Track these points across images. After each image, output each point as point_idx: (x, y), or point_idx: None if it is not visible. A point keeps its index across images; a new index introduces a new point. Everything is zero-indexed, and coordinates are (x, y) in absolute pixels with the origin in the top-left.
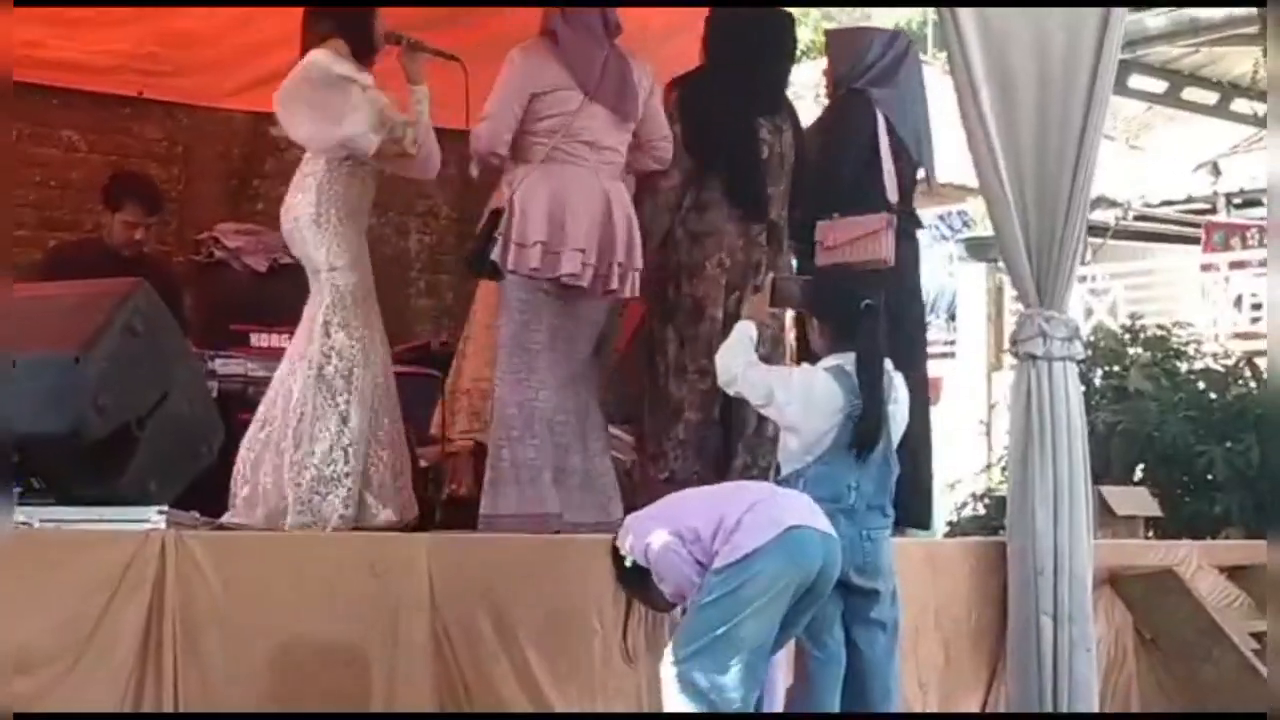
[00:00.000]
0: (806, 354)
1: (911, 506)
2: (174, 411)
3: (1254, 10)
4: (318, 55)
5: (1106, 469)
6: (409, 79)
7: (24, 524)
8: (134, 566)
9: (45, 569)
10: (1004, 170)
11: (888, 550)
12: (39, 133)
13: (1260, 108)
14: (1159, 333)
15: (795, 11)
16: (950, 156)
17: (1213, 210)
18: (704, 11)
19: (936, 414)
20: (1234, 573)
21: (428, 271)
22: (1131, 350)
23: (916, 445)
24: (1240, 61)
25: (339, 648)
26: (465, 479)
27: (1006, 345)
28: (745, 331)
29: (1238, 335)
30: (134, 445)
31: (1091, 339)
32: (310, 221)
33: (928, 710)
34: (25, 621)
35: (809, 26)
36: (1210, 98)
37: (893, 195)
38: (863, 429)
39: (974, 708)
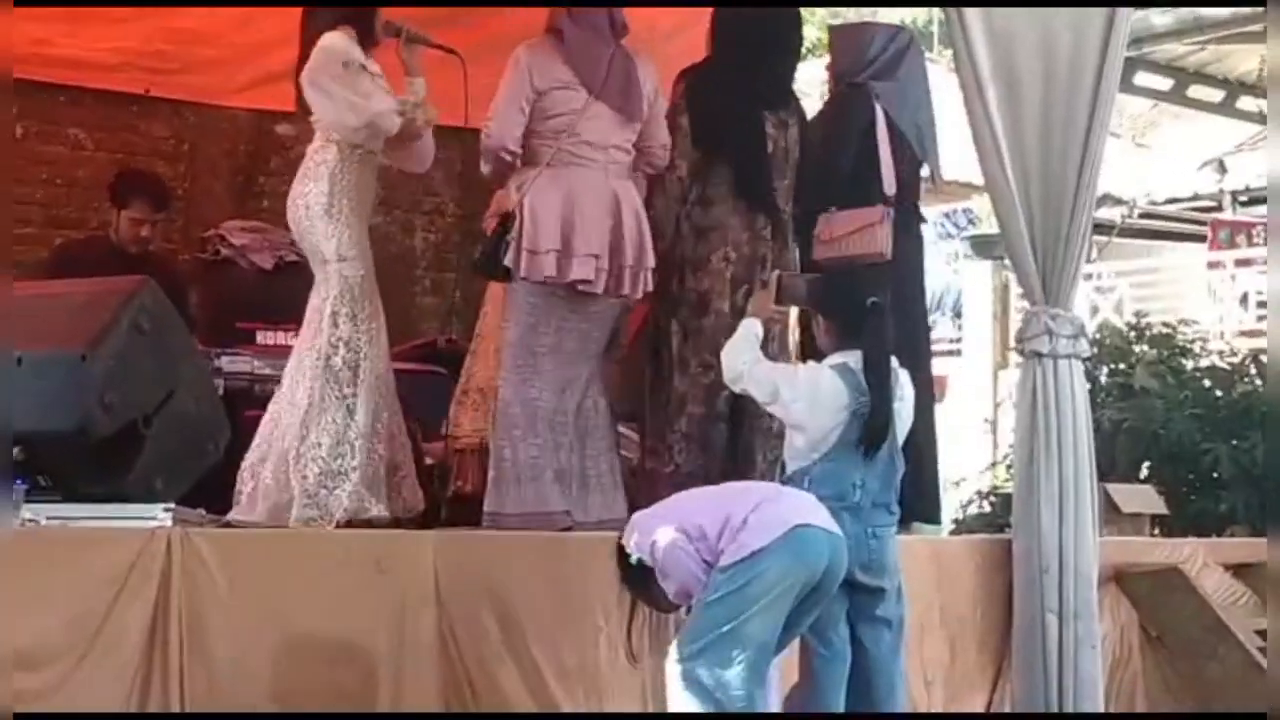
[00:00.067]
0: (811, 351)
1: (919, 500)
2: (180, 409)
3: (1260, 7)
4: (337, 39)
5: (1112, 466)
6: (407, 71)
7: (30, 521)
8: (140, 564)
9: (51, 566)
10: (1009, 168)
11: (893, 548)
12: (46, 130)
13: (1266, 105)
14: (1164, 330)
15: (803, 9)
16: (956, 154)
17: (1219, 208)
18: (709, 9)
19: (942, 412)
20: (1239, 570)
21: (433, 269)
22: (1137, 348)
23: (921, 439)
24: (1246, 59)
25: (345, 645)
26: (471, 476)
27: (1012, 343)
28: (751, 329)
29: (1243, 333)
30: (140, 443)
31: (1097, 336)
32: (323, 211)
33: (933, 708)
34: (32, 618)
35: (815, 25)
36: (1216, 95)
37: (890, 188)
38: (871, 427)
39: (979, 705)
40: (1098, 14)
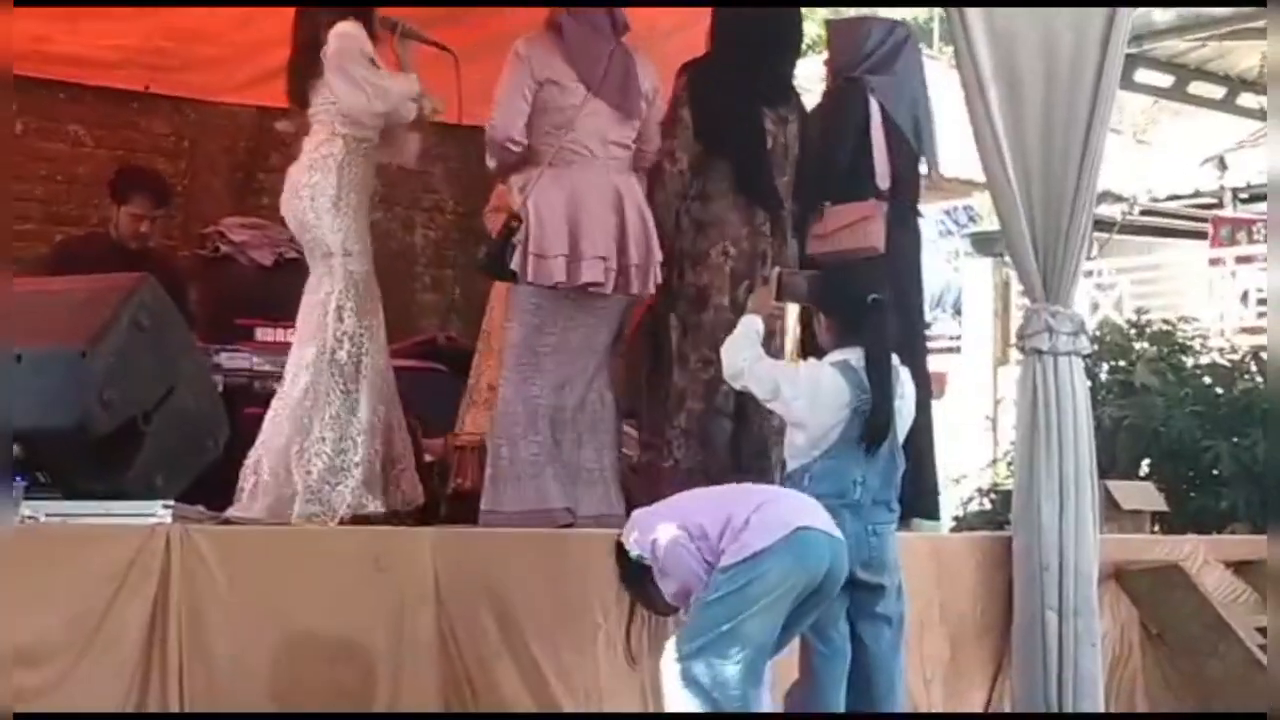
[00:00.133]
0: (810, 348)
1: (918, 497)
2: (180, 406)
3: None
4: (352, 27)
5: (1112, 464)
6: (399, 67)
7: (30, 518)
8: (140, 561)
9: (51, 564)
10: (1010, 165)
11: (893, 545)
12: (46, 127)
13: (1266, 102)
14: (1165, 327)
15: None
16: (956, 151)
17: (1219, 205)
18: (708, 7)
19: (942, 408)
20: (1240, 567)
21: (433, 266)
22: (1137, 345)
23: (920, 435)
24: (1247, 56)
25: (344, 642)
26: (471, 473)
27: (1013, 340)
28: (751, 326)
29: (1244, 330)
30: (140, 440)
31: (1097, 334)
32: (330, 204)
33: (932, 705)
34: (31, 616)
35: (816, 22)
36: (1217, 92)
37: (884, 182)
38: (872, 424)
39: (979, 703)
40: (1098, 12)
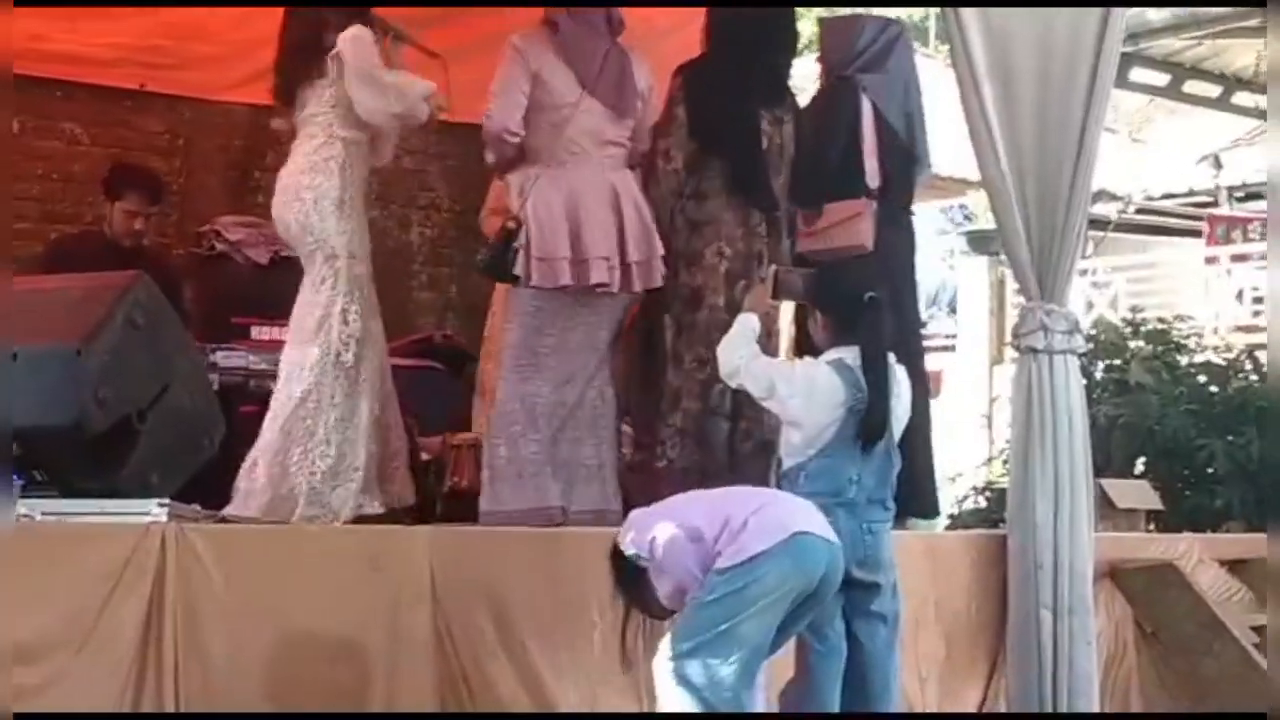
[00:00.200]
0: (806, 346)
1: (917, 496)
2: (175, 404)
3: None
4: (363, 32)
5: (1107, 462)
6: (390, 68)
7: (25, 517)
8: (135, 559)
9: (47, 562)
10: (1005, 164)
11: (888, 543)
12: (41, 125)
13: (1263, 100)
14: (1160, 326)
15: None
16: (951, 149)
17: (1215, 203)
18: (704, 7)
19: (938, 407)
20: (1235, 566)
21: (429, 264)
22: (1133, 343)
23: (916, 433)
24: (1242, 54)
25: (340, 641)
26: (467, 472)
27: (1008, 338)
28: (747, 324)
29: (1239, 328)
30: (135, 438)
31: (1093, 332)
32: (334, 206)
33: (927, 703)
34: (27, 614)
35: (812, 20)
36: (1212, 90)
37: (873, 180)
38: (868, 423)
39: (974, 701)
40: (1093, 10)
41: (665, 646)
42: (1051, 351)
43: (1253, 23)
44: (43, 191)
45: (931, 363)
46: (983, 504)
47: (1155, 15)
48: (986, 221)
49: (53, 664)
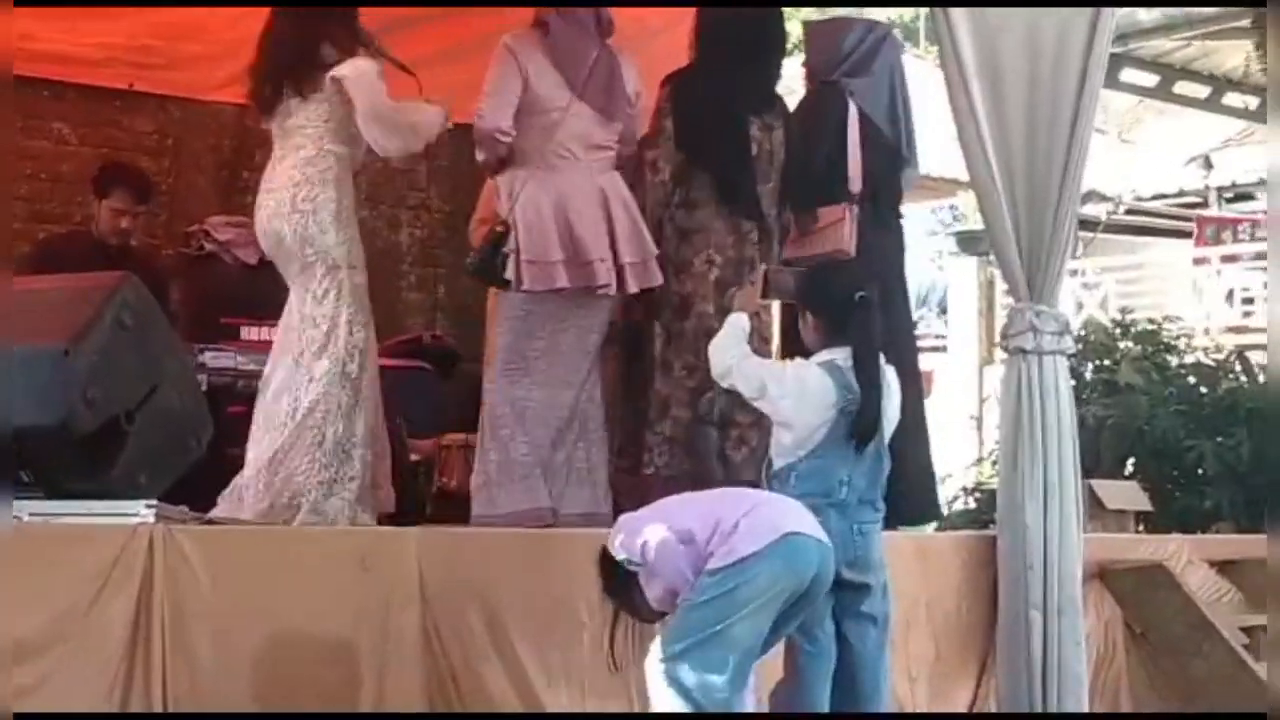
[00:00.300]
0: (795, 346)
1: (917, 501)
2: (163, 405)
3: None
4: (369, 65)
5: (1097, 463)
6: None
7: (14, 518)
8: (123, 561)
9: (34, 564)
10: (994, 163)
11: (878, 544)
12: (30, 125)
13: (1252, 101)
14: (1149, 327)
15: (787, 8)
16: (941, 150)
17: (1204, 204)
18: (694, 9)
19: (928, 407)
20: (1224, 567)
21: (419, 265)
22: (1122, 344)
23: (914, 437)
24: (1232, 55)
25: (328, 642)
26: (456, 473)
27: (997, 339)
28: (738, 323)
29: (1229, 329)
30: (123, 439)
31: (1082, 333)
32: (332, 218)
33: (917, 704)
34: (14, 616)
35: (799, 21)
36: (1202, 91)
37: (856, 185)
38: (861, 423)
39: (964, 702)
40: (1083, 10)
41: (656, 648)
42: (1041, 352)
43: (1242, 24)
44: (31, 191)
45: (922, 363)
46: (972, 505)
47: (1145, 16)
48: (976, 222)
49: (40, 665)
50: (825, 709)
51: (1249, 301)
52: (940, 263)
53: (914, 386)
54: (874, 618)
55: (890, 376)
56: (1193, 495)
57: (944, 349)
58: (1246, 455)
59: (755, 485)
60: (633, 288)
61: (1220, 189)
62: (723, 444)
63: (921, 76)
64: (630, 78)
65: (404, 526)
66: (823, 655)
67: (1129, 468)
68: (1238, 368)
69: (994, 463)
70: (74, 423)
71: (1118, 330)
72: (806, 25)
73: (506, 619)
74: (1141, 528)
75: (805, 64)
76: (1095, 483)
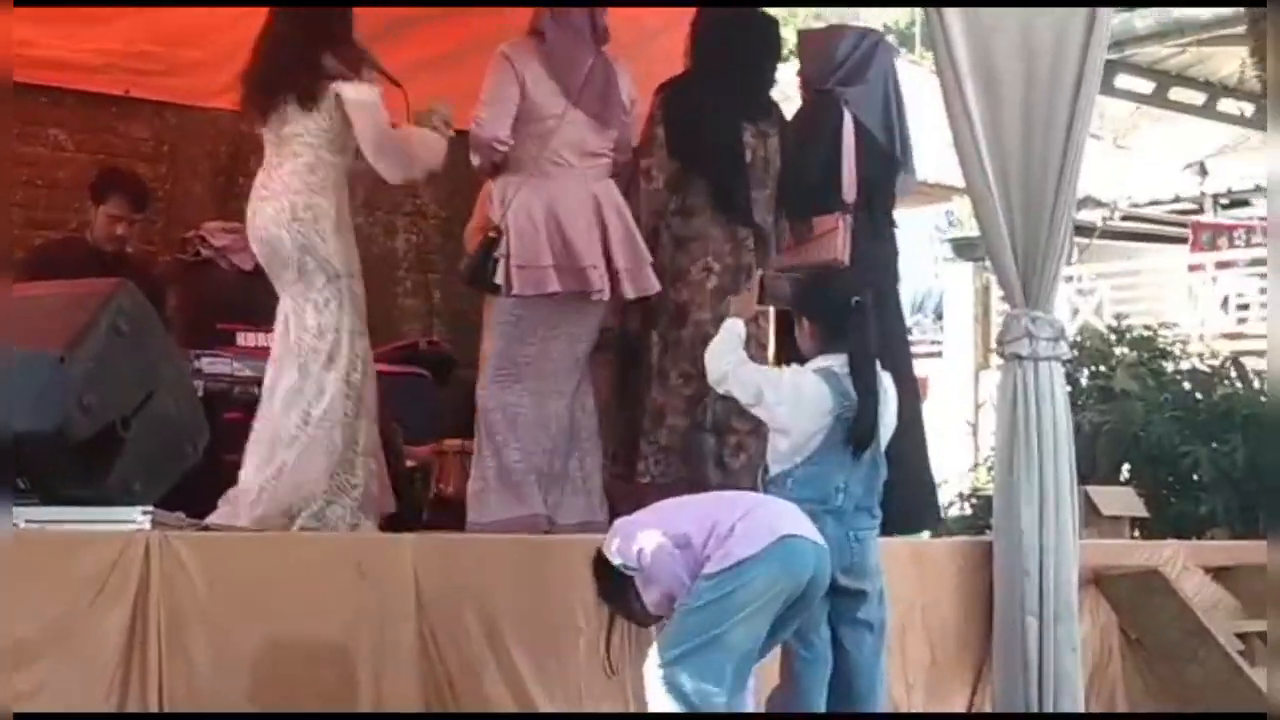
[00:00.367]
0: (791, 353)
1: (917, 508)
2: (159, 411)
3: (1241, 10)
4: (367, 92)
5: (1092, 469)
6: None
7: (13, 525)
8: (119, 567)
9: (30, 570)
10: (989, 169)
11: (875, 551)
12: (26, 131)
13: (1247, 108)
14: (1145, 333)
15: (782, 12)
16: (936, 156)
17: (1200, 210)
18: (693, 11)
19: (923, 413)
20: (1219, 573)
21: (415, 271)
22: (1117, 350)
23: (912, 446)
24: (1227, 62)
25: (325, 649)
26: (453, 479)
27: (993, 345)
28: (734, 329)
29: (1224, 335)
30: (119, 445)
31: (1078, 339)
32: (334, 227)
33: (914, 710)
34: (10, 622)
35: (795, 26)
36: (1197, 98)
37: (849, 195)
38: (858, 428)
39: (960, 707)
40: (1079, 12)
41: (654, 654)
42: (1036, 358)
43: (1237, 30)
44: (26, 197)
45: (918, 369)
46: (968, 510)
47: (1141, 23)
48: (972, 228)
49: (36, 672)
50: None
51: (1244, 308)
52: (936, 269)
53: (909, 392)
54: (870, 624)
55: (887, 383)
56: (1188, 501)
57: (940, 355)
58: (1241, 461)
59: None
60: (629, 293)
61: (1216, 195)
62: (720, 451)
63: (917, 82)
64: (625, 85)
65: (400, 533)
66: (819, 661)
67: (1124, 473)
68: (1233, 374)
69: (990, 468)
70: (70, 429)
71: (1113, 336)
72: (800, 33)
73: (503, 625)
74: (1137, 533)
75: (799, 72)
76: (1091, 489)
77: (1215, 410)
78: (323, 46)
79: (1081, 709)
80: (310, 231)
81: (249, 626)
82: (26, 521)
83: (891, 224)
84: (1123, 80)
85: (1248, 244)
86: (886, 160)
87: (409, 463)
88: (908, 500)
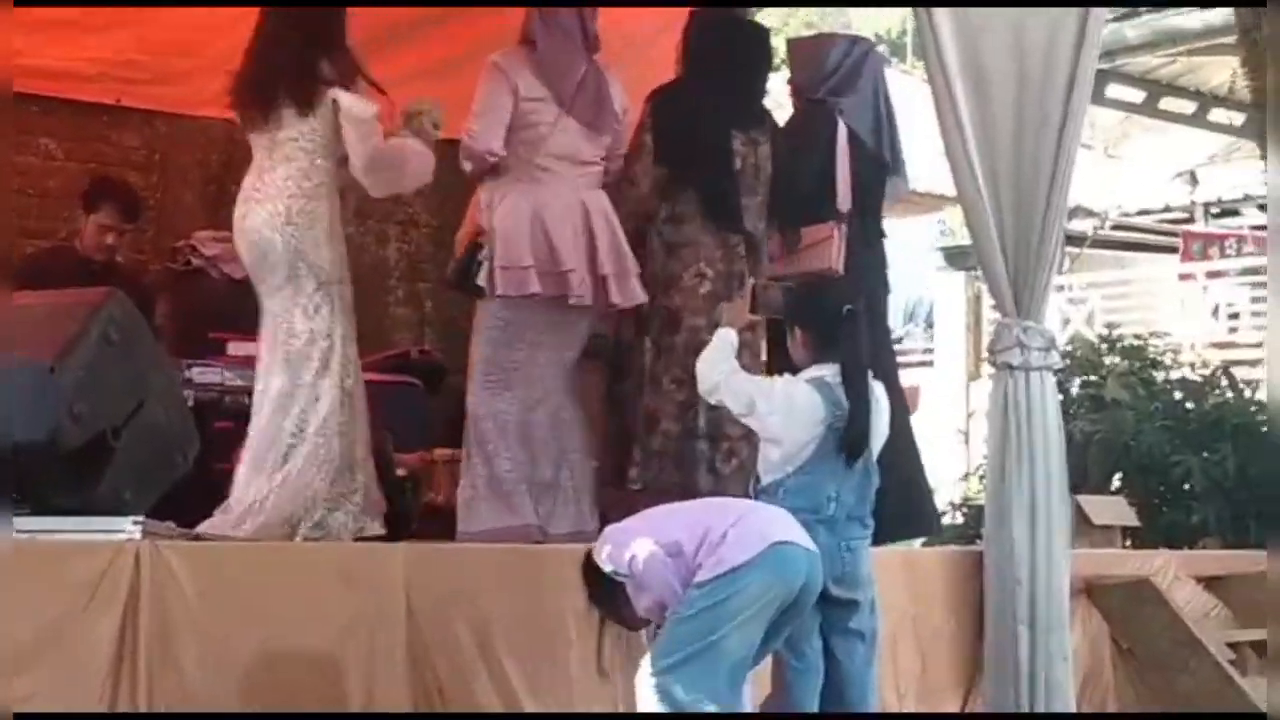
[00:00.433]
0: (783, 362)
1: (916, 514)
2: (150, 420)
3: (1231, 20)
4: (359, 104)
5: (1084, 478)
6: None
7: (16, 533)
8: (109, 576)
9: (20, 579)
10: (980, 177)
11: (866, 560)
12: (17, 141)
13: (1237, 117)
14: (1136, 342)
15: (775, 20)
16: (927, 165)
17: (1190, 219)
18: (685, 17)
19: (915, 422)
20: (1211, 583)
21: (406, 280)
22: (1108, 360)
23: (904, 452)
24: (1218, 72)
25: (315, 658)
26: (444, 488)
27: (984, 354)
28: (726, 339)
29: (1215, 345)
30: (110, 454)
31: (1068, 348)
32: (327, 232)
33: None
34: (2, 629)
35: (785, 36)
36: (1188, 107)
37: (844, 204)
38: (850, 436)
39: None
40: (1071, 18)
41: (647, 664)
42: (1028, 368)
43: (1228, 40)
44: (17, 206)
45: (909, 378)
46: (960, 520)
47: (1132, 32)
48: (963, 237)
49: (27, 681)
50: None
51: (1235, 317)
52: (928, 278)
53: (898, 401)
54: (862, 634)
55: (879, 392)
56: (1179, 510)
57: (931, 364)
58: (1233, 470)
59: (744, 498)
60: (615, 299)
61: (1206, 204)
62: (713, 457)
63: (908, 92)
64: (617, 93)
65: (391, 542)
66: (810, 671)
67: (1116, 483)
68: (1224, 383)
69: (981, 478)
70: (60, 438)
71: (1104, 346)
72: (789, 42)
73: (494, 635)
74: (1128, 543)
75: (790, 80)
76: (1082, 498)
77: (1206, 419)
78: (319, 52)
79: None
80: (304, 236)
81: (239, 636)
82: (17, 531)
83: (881, 233)
84: (1114, 89)
85: (1238, 253)
86: (878, 169)
87: (400, 472)
88: (904, 505)
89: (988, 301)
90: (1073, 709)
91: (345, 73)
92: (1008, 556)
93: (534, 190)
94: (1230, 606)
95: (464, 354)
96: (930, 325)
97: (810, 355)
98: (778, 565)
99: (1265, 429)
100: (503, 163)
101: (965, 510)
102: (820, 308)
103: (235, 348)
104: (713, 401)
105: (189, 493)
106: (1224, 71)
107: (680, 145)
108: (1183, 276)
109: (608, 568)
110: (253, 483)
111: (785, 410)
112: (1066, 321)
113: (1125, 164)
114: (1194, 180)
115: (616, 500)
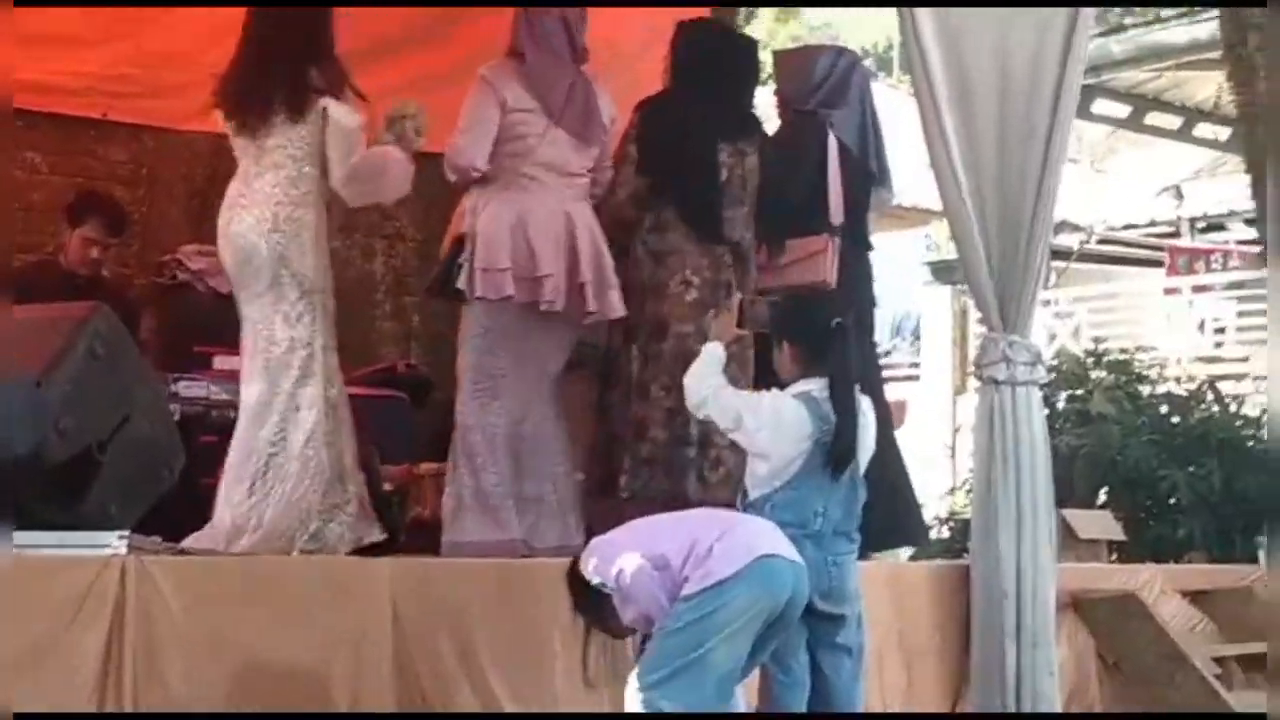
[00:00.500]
0: (769, 376)
1: (905, 524)
2: (135, 435)
3: (1217, 35)
4: (345, 114)
5: (1070, 492)
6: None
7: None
8: (94, 591)
9: (5, 595)
10: (966, 190)
11: (853, 575)
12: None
13: (1222, 132)
14: (1122, 356)
15: (762, 32)
16: (914, 178)
17: (1176, 234)
18: (672, 32)
19: (901, 437)
20: (1196, 597)
21: (393, 294)
22: (1094, 374)
23: (890, 464)
24: (1203, 87)
25: (301, 672)
26: (430, 502)
27: (971, 369)
28: (714, 353)
29: (1200, 359)
30: (95, 469)
31: (1055, 363)
32: (312, 240)
33: None
34: None
35: (771, 49)
36: (1174, 122)
37: (838, 217)
38: (837, 449)
39: None
40: (1058, 29)
41: (634, 679)
42: (1014, 383)
43: (1213, 55)
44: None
45: (896, 393)
46: (946, 534)
47: (1118, 47)
48: (950, 252)
49: (13, 694)
50: None
51: (1220, 331)
52: (914, 292)
53: (883, 414)
54: (849, 649)
55: (865, 406)
56: (1165, 525)
57: (917, 378)
58: (1218, 485)
59: (731, 507)
60: (591, 306)
61: (1192, 219)
62: (701, 464)
63: (895, 105)
64: (605, 105)
65: (377, 556)
66: (797, 686)
67: (1102, 497)
68: (1209, 397)
69: (968, 492)
70: (46, 453)
71: (1090, 360)
72: (776, 54)
73: (479, 648)
74: (1114, 557)
75: (777, 92)
76: (1068, 512)
77: (1192, 434)
78: (309, 59)
79: None
80: (289, 243)
81: (225, 650)
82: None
83: (868, 246)
84: (1100, 104)
85: (1224, 268)
86: (865, 182)
87: (386, 485)
88: (891, 517)
89: (974, 316)
90: None
91: (334, 81)
92: (994, 570)
93: (519, 198)
94: (1216, 621)
95: (450, 368)
96: (917, 339)
97: (798, 369)
98: (764, 578)
99: (1251, 444)
100: (490, 171)
101: (951, 524)
102: (810, 321)
103: (221, 362)
104: (700, 416)
105: (175, 507)
106: (1209, 86)
107: (667, 155)
108: (1168, 291)
109: (595, 580)
110: (233, 493)
111: (773, 425)
112: (1053, 336)
113: (1111, 179)
114: (1180, 195)
115: (604, 510)
